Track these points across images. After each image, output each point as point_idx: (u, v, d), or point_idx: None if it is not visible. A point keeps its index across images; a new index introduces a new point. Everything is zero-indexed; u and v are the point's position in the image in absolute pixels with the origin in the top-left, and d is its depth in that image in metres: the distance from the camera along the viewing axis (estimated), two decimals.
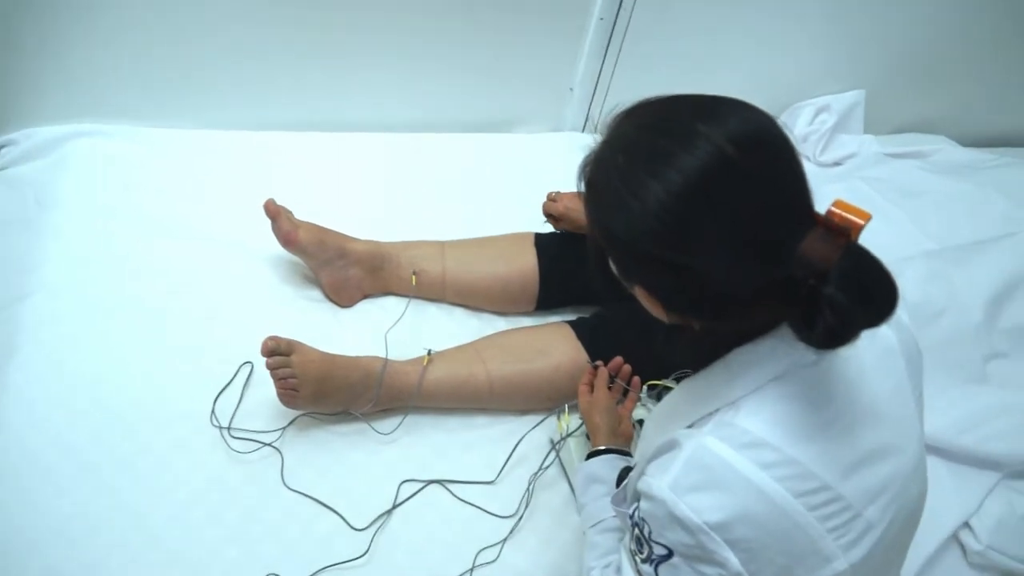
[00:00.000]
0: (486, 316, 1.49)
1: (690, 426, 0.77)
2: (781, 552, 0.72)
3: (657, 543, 0.76)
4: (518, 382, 1.33)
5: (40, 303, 1.34)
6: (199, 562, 1.11)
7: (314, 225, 1.41)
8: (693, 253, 0.68)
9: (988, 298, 1.43)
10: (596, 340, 1.36)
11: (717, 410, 0.75)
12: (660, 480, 0.73)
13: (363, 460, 1.26)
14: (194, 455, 1.22)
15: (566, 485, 1.29)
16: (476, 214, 1.61)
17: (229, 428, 1.25)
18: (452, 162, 1.77)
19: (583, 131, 1.92)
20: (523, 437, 1.28)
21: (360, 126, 1.77)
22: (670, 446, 0.76)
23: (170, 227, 1.50)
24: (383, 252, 1.45)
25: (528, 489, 1.25)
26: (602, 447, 1.15)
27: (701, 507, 0.71)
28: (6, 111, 1.59)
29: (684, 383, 0.84)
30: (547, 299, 1.49)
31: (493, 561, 1.19)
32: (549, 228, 1.52)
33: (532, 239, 1.50)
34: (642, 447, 0.90)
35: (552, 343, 1.36)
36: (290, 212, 1.40)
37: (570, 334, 1.37)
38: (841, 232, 0.66)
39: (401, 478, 1.24)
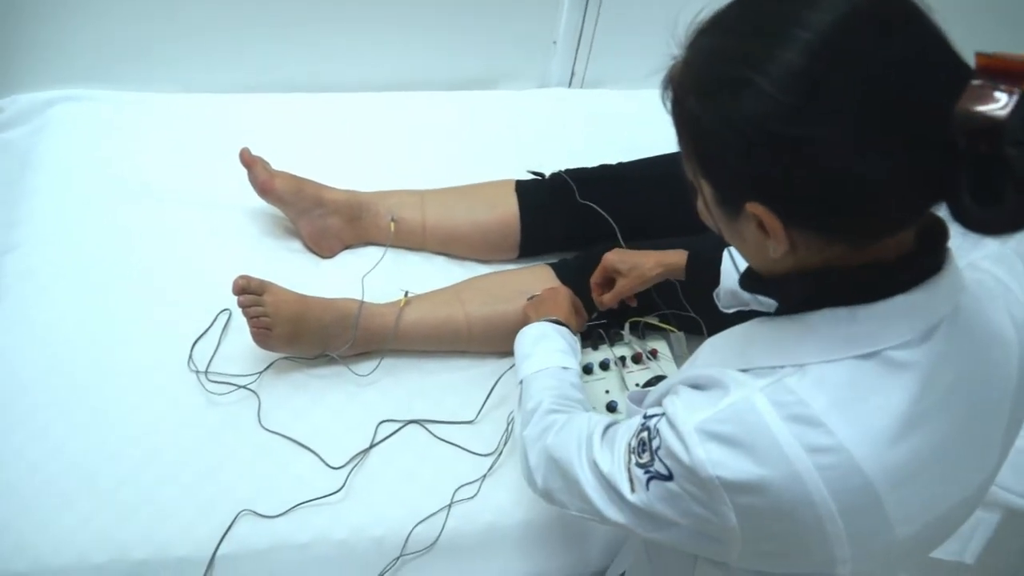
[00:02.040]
0: (468, 264, 1.48)
1: (745, 370, 0.69)
2: (788, 536, 0.66)
3: (661, 462, 0.70)
4: (497, 323, 1.31)
5: (20, 258, 1.35)
6: (173, 501, 1.11)
7: (291, 174, 1.41)
8: (831, 124, 0.57)
9: None
10: (578, 281, 1.34)
11: (781, 367, 0.66)
12: (690, 414, 0.67)
13: (341, 401, 1.25)
14: (170, 399, 1.21)
15: None
16: (462, 172, 1.59)
17: (206, 372, 1.25)
18: (436, 121, 1.75)
19: (569, 86, 1.90)
20: (501, 376, 1.26)
21: (343, 87, 1.76)
22: (715, 383, 0.69)
23: (151, 186, 1.50)
24: (361, 201, 1.44)
25: (507, 428, 1.23)
26: (552, 318, 1.12)
27: (720, 461, 0.65)
28: None
29: (758, 320, 0.74)
30: (529, 246, 1.47)
31: (472, 497, 1.17)
32: (530, 176, 1.51)
33: (513, 186, 1.48)
34: (687, 365, 0.85)
35: (532, 283, 1.34)
36: (266, 162, 1.40)
37: (550, 274, 1.35)
38: (1009, 76, 0.54)
39: (379, 418, 1.23)
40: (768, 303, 0.98)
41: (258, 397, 1.23)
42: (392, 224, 1.43)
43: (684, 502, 0.69)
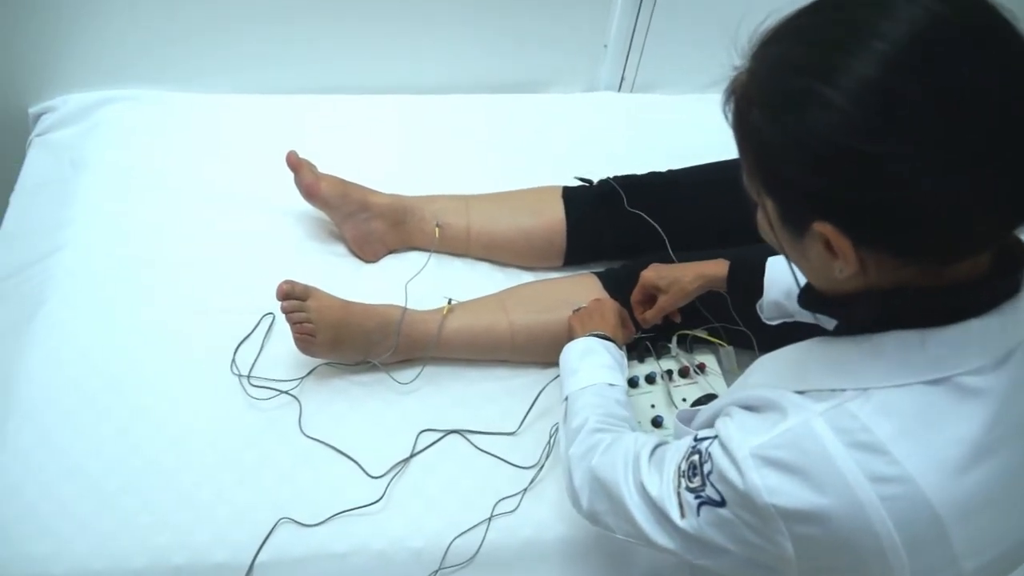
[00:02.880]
0: (512, 271, 1.46)
1: (801, 392, 0.66)
2: (847, 569, 0.64)
3: (713, 486, 0.68)
4: (540, 332, 1.29)
5: (68, 258, 1.36)
6: (211, 505, 1.11)
7: (336, 178, 1.40)
8: (906, 139, 0.53)
9: None
10: (623, 290, 1.31)
11: (842, 390, 0.63)
12: (745, 438, 0.65)
13: (381, 409, 1.24)
14: (212, 402, 1.21)
15: None
16: (508, 177, 1.56)
17: (249, 377, 1.24)
18: (483, 124, 1.73)
19: (619, 90, 1.86)
20: (544, 387, 1.23)
21: (389, 88, 1.75)
22: (771, 405, 0.67)
23: (196, 187, 1.50)
24: (406, 205, 1.43)
25: (550, 440, 1.21)
26: (598, 332, 1.08)
27: (777, 488, 0.62)
28: (45, 78, 1.62)
29: (817, 340, 0.71)
30: (575, 254, 1.44)
31: (512, 511, 1.15)
32: (577, 183, 1.48)
33: (560, 192, 1.46)
34: (738, 384, 0.83)
35: (577, 293, 1.31)
36: (312, 165, 1.39)
37: (596, 284, 1.32)
38: None
39: (420, 427, 1.21)
40: (826, 320, 0.94)
41: (299, 403, 1.22)
42: (437, 229, 1.42)
43: (737, 529, 0.67)
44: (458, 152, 1.66)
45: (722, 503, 0.68)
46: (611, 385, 1.00)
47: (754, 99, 0.61)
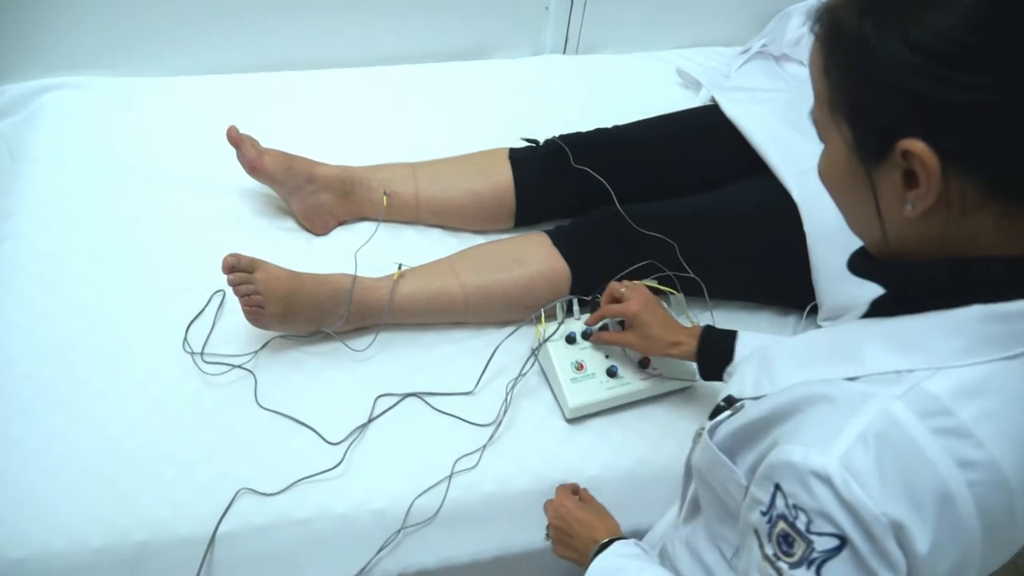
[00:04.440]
0: (464, 235, 1.46)
1: (854, 378, 0.61)
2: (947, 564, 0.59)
3: (820, 534, 0.56)
4: (493, 292, 1.29)
5: (11, 249, 1.34)
6: (171, 482, 1.10)
7: (280, 152, 1.39)
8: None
9: None
10: (574, 246, 1.31)
11: (910, 371, 0.59)
12: (824, 454, 0.56)
13: (338, 377, 1.24)
14: (167, 382, 1.20)
15: (547, 392, 1.26)
16: (457, 145, 1.55)
17: (202, 354, 1.23)
18: (430, 93, 1.73)
19: (563, 52, 1.87)
20: (499, 345, 1.24)
21: (333, 62, 1.74)
22: (829, 400, 0.60)
23: (143, 172, 1.49)
24: (353, 176, 1.42)
25: (507, 397, 1.22)
26: (604, 540, 0.92)
27: (881, 496, 0.55)
28: None
29: (862, 321, 0.66)
30: (525, 214, 1.45)
31: (473, 468, 1.16)
32: (523, 144, 1.48)
33: (506, 154, 1.46)
34: (751, 379, 0.74)
35: (528, 251, 1.32)
36: (255, 140, 1.38)
37: (546, 241, 1.33)
38: None
39: (377, 393, 1.22)
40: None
41: (254, 376, 1.22)
42: (385, 198, 1.41)
43: (868, 568, 0.56)
44: (406, 122, 1.66)
45: (841, 544, 0.56)
46: None
47: (860, 6, 0.58)
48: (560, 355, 1.22)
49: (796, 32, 1.83)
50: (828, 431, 0.58)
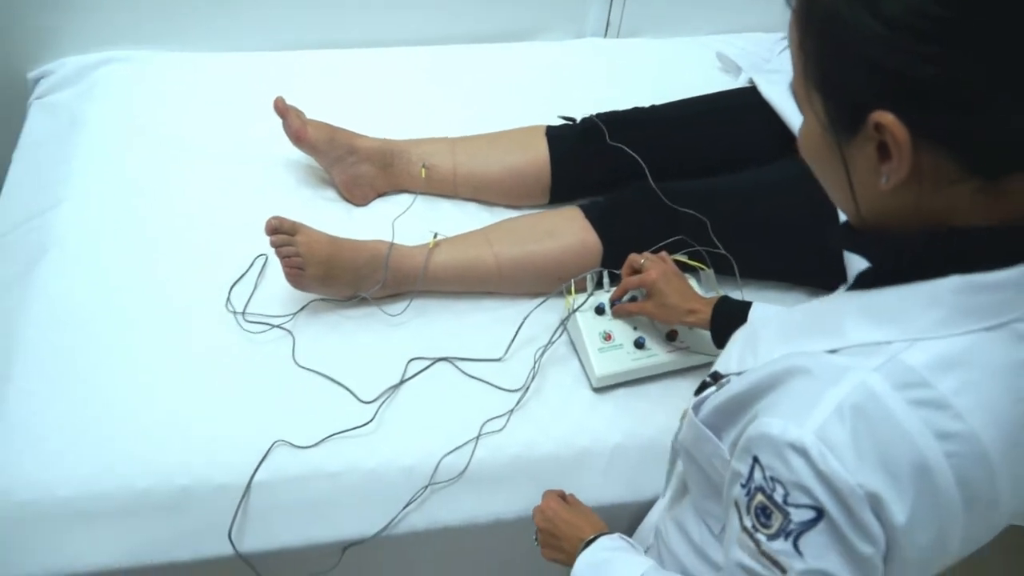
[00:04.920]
0: (499, 210, 1.49)
1: (834, 351, 0.61)
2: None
3: (797, 506, 0.57)
4: (526, 263, 1.32)
5: (68, 210, 1.40)
6: (210, 433, 1.15)
7: (324, 123, 1.43)
8: (1000, 14, 0.51)
9: None
10: (606, 220, 1.34)
11: (888, 343, 0.59)
12: (800, 425, 0.57)
13: (372, 340, 1.28)
14: (210, 339, 1.25)
15: (575, 362, 1.28)
16: (497, 124, 1.58)
17: (244, 313, 1.28)
18: (471, 73, 1.76)
19: (605, 36, 1.88)
20: (529, 313, 1.27)
21: (378, 42, 1.79)
22: (807, 373, 0.60)
23: (190, 141, 1.54)
24: (393, 148, 1.46)
25: (535, 364, 1.24)
26: (590, 536, 0.92)
27: (857, 467, 0.55)
28: (42, 43, 1.67)
29: (844, 294, 0.66)
30: (560, 190, 1.47)
31: (500, 430, 1.19)
32: (560, 122, 1.51)
33: (543, 131, 1.49)
34: (736, 355, 0.74)
35: (561, 224, 1.34)
36: (300, 111, 1.43)
37: (579, 215, 1.35)
38: None
39: (409, 356, 1.25)
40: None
41: (292, 336, 1.26)
42: (423, 171, 1.45)
43: (846, 537, 0.57)
44: (447, 102, 1.69)
45: (818, 516, 0.57)
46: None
47: None
48: (589, 325, 1.25)
49: None
50: (805, 404, 0.58)
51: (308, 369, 1.23)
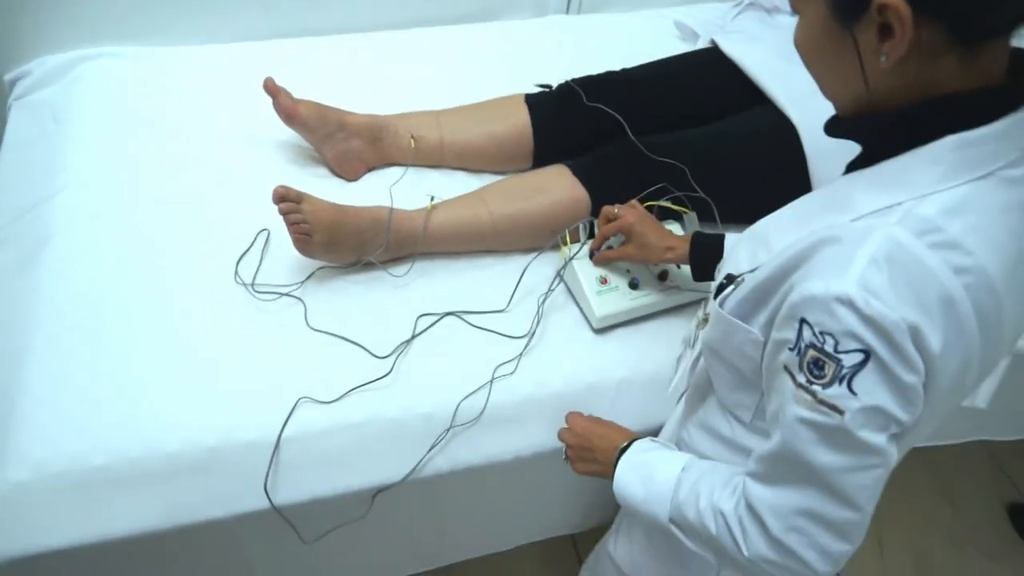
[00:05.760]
0: (486, 176, 1.55)
1: (855, 220, 0.68)
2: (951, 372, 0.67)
3: (848, 351, 0.64)
4: (519, 219, 1.39)
5: (68, 199, 1.43)
6: (234, 394, 1.18)
7: (313, 102, 1.48)
8: None
9: None
10: (592, 175, 1.41)
11: (899, 204, 0.66)
12: (841, 280, 0.63)
13: (380, 301, 1.33)
14: (223, 309, 1.29)
15: (574, 308, 1.35)
16: (476, 100, 1.64)
17: (253, 284, 1.33)
18: (441, 55, 1.82)
19: (567, 12, 1.97)
20: (528, 265, 1.34)
21: (353, 28, 1.84)
22: (836, 240, 0.67)
23: (181, 128, 1.58)
24: (381, 123, 1.52)
25: (538, 311, 1.31)
26: (623, 444, 0.97)
27: (897, 304, 0.62)
28: (18, 44, 1.68)
29: (847, 176, 0.74)
30: (543, 153, 1.54)
31: (511, 374, 1.25)
32: (537, 90, 1.58)
33: (523, 98, 1.56)
34: (747, 253, 0.82)
35: (550, 181, 1.42)
36: (289, 92, 1.47)
37: (567, 172, 1.43)
38: None
39: (418, 313, 1.31)
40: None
41: (303, 303, 1.31)
42: (412, 142, 1.51)
43: (894, 371, 0.64)
44: (424, 81, 1.75)
45: (867, 357, 0.64)
46: (683, 470, 0.88)
47: None
48: (585, 271, 1.32)
49: None
50: (841, 263, 0.65)
51: (322, 331, 1.28)
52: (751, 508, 0.75)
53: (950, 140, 0.66)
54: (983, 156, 0.66)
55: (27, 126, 1.60)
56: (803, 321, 0.67)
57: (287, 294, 1.32)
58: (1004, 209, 0.67)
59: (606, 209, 1.27)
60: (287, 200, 1.26)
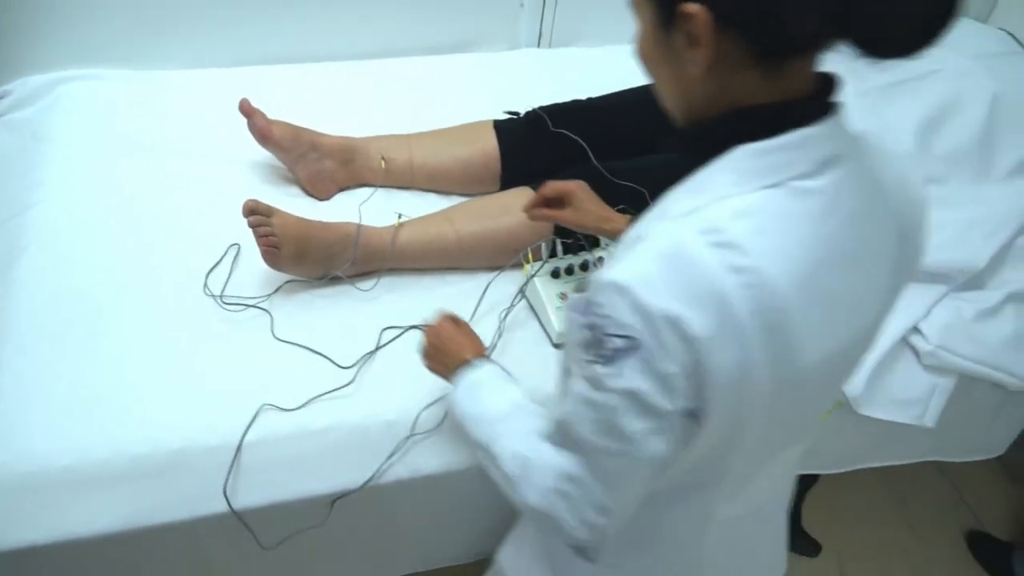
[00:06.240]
0: (454, 198, 1.60)
1: (664, 221, 0.72)
2: (722, 369, 0.68)
3: (616, 335, 0.68)
4: (485, 238, 1.43)
5: (41, 212, 1.46)
6: (201, 400, 1.21)
7: (287, 123, 1.53)
8: None
9: (917, 127, 1.53)
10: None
11: (698, 208, 0.69)
12: (624, 269, 0.68)
13: (346, 314, 1.37)
14: (191, 320, 1.32)
15: (535, 325, 1.39)
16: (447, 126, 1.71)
17: (221, 296, 1.36)
18: (411, 86, 1.89)
19: (538, 46, 2.04)
20: (493, 279, 1.38)
21: (330, 56, 1.90)
22: (638, 239, 0.71)
23: (157, 147, 1.62)
24: (353, 145, 1.57)
25: (499, 326, 1.35)
26: (470, 358, 1.05)
27: (660, 292, 0.66)
28: (0, 64, 1.73)
29: (674, 187, 0.77)
30: (509, 177, 1.60)
31: None
32: (506, 116, 1.64)
33: (491, 124, 1.62)
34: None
35: (515, 202, 1.45)
36: (263, 112, 1.52)
37: (531, 194, 1.47)
38: None
39: (382, 326, 1.34)
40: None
41: (270, 315, 1.34)
42: (383, 163, 1.56)
43: (652, 363, 0.68)
44: (393, 112, 1.80)
45: (632, 343, 0.68)
46: (510, 405, 0.97)
47: None
48: (546, 287, 1.36)
49: None
50: (633, 256, 0.69)
51: (287, 342, 1.31)
52: (535, 461, 0.82)
53: (744, 149, 0.70)
54: (774, 165, 0.69)
55: (7, 143, 1.64)
56: (589, 302, 0.71)
57: (254, 306, 1.35)
58: (793, 217, 0.69)
59: (549, 182, 1.29)
60: (257, 213, 1.30)
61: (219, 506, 1.15)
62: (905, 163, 0.80)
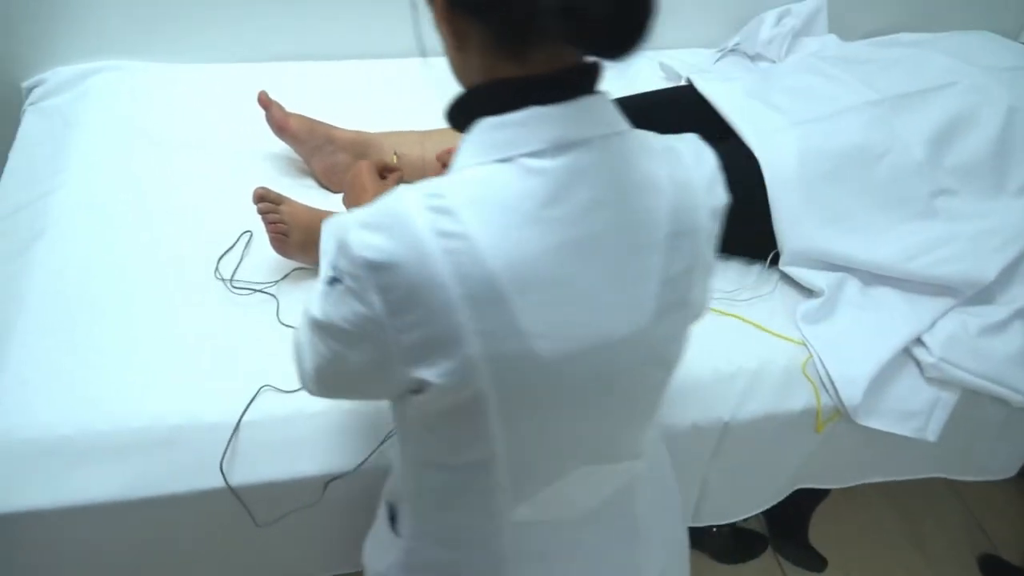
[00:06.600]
0: None
1: None
2: (424, 319, 0.70)
3: (332, 266, 0.74)
4: None
5: (64, 196, 1.51)
6: (201, 379, 1.24)
7: (303, 116, 1.57)
8: None
9: (929, 138, 1.52)
10: None
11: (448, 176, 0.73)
12: (353, 218, 0.71)
13: None
14: (200, 301, 1.36)
15: None
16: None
17: (231, 280, 1.40)
18: (426, 84, 1.87)
19: None
20: None
21: (339, 55, 1.97)
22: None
23: (179, 139, 1.67)
24: (367, 140, 1.60)
25: None
26: None
27: (366, 243, 0.68)
28: (37, 53, 1.80)
29: None
30: None
31: None
32: None
33: None
34: None
35: None
36: (281, 105, 1.57)
37: None
38: None
39: None
40: None
41: (277, 300, 1.38)
42: (396, 157, 1.59)
43: (348, 301, 0.72)
44: (408, 108, 1.79)
45: (335, 279, 0.73)
46: None
47: None
48: None
49: (769, 33, 2.03)
50: (368, 210, 0.71)
51: (292, 327, 1.33)
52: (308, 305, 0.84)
53: (486, 122, 0.72)
54: (507, 140, 0.71)
55: (38, 129, 1.70)
56: (323, 235, 0.80)
57: (261, 291, 1.39)
58: (516, 194, 0.70)
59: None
60: (266, 200, 1.34)
61: (216, 481, 1.18)
62: (701, 169, 0.81)
